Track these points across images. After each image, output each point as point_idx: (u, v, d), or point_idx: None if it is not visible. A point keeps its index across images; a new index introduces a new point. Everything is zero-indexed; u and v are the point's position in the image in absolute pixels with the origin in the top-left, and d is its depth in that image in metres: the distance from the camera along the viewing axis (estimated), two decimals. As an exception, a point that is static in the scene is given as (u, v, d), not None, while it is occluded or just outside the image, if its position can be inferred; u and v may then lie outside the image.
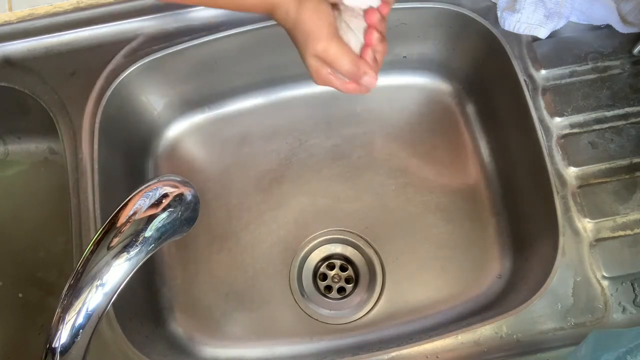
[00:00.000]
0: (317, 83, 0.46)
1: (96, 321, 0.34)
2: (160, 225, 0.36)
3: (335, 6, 0.45)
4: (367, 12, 0.45)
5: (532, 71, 0.59)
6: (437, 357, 0.51)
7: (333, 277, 0.66)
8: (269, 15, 0.45)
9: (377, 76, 0.45)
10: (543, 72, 0.59)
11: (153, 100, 0.66)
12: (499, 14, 0.61)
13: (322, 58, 0.44)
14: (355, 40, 0.45)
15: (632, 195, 0.54)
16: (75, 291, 0.34)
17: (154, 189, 0.36)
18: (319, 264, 0.66)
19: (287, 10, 0.43)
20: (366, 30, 0.45)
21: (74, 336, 0.34)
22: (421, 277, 0.64)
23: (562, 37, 0.61)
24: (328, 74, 0.45)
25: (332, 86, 0.46)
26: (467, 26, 0.62)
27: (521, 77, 0.59)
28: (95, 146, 0.58)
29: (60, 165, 0.60)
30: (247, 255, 0.65)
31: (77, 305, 0.34)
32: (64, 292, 0.34)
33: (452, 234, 0.65)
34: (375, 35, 0.45)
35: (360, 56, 0.45)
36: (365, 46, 0.45)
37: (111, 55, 0.62)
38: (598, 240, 0.53)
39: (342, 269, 0.66)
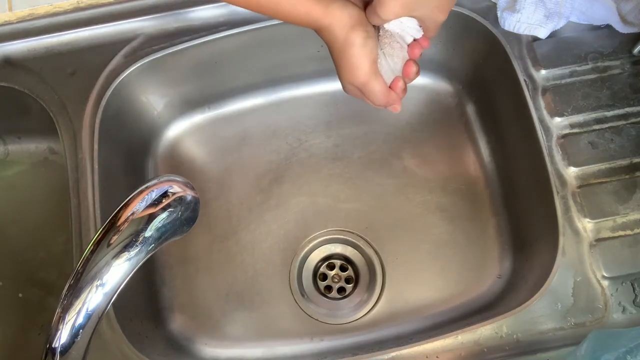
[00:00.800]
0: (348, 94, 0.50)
1: (96, 321, 0.34)
2: (160, 225, 0.36)
3: (376, 28, 0.46)
4: (411, 46, 0.46)
5: (532, 71, 0.59)
6: (437, 357, 0.51)
7: (333, 277, 0.66)
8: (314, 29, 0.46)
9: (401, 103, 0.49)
10: (543, 72, 0.59)
11: (153, 100, 0.66)
12: (499, 14, 0.61)
13: (359, 89, 0.47)
14: (387, 68, 0.46)
15: (632, 195, 0.54)
16: (75, 291, 0.34)
17: (154, 189, 0.36)
18: (319, 264, 0.66)
19: (335, 37, 0.44)
20: (406, 63, 0.47)
21: (74, 336, 0.34)
22: (421, 277, 0.64)
23: (562, 37, 0.61)
24: (360, 95, 0.48)
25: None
26: (467, 26, 0.62)
27: (521, 77, 0.59)
28: (95, 146, 0.58)
29: (60, 165, 0.60)
30: (247, 255, 0.65)
31: (77, 305, 0.34)
32: (64, 292, 0.34)
33: (452, 234, 0.65)
34: (414, 69, 0.47)
35: (392, 86, 0.47)
36: (399, 77, 0.47)
37: (111, 55, 0.62)
38: (598, 240, 0.53)
39: (342, 269, 0.66)
